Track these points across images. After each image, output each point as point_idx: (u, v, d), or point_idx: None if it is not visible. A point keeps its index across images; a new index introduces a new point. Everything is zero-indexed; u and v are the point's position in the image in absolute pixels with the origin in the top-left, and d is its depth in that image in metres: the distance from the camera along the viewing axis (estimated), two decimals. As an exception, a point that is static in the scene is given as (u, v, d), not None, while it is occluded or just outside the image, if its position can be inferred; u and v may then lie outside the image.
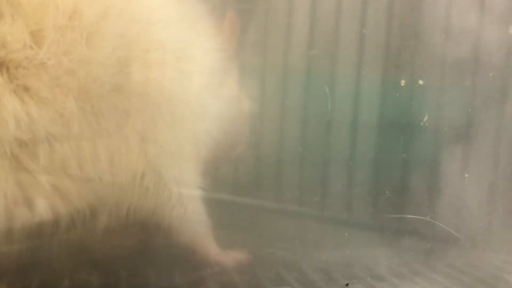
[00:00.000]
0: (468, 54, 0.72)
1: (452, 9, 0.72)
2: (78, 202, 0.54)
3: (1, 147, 0.48)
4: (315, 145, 0.74)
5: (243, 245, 0.66)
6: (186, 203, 0.61)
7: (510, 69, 0.72)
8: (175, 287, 0.60)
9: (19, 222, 0.51)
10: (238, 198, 0.69)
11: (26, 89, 0.49)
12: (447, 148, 0.72)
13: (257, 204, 0.72)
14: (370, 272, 0.66)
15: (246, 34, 0.71)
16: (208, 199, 0.63)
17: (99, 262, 0.60)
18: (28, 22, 0.49)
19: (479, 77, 0.72)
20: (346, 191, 0.74)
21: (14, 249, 0.52)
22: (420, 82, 0.71)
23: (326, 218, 0.73)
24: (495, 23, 0.72)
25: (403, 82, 0.71)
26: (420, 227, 0.70)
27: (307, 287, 0.62)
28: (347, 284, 0.62)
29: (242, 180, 0.74)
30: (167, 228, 0.60)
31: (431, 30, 0.72)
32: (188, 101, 0.60)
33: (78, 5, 0.51)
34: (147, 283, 0.60)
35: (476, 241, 0.72)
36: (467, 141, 0.73)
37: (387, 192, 0.71)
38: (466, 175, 0.72)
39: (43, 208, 0.51)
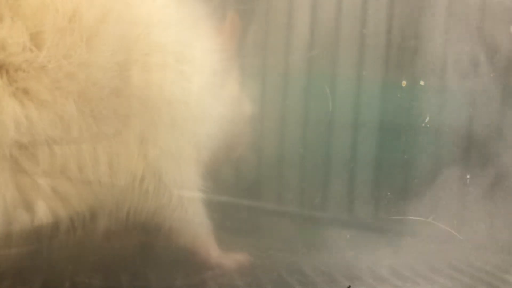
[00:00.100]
0: (469, 54, 0.72)
1: (453, 8, 0.72)
2: (78, 205, 0.54)
3: (1, 150, 0.48)
4: (316, 146, 0.74)
5: (244, 247, 0.66)
6: (186, 205, 0.61)
7: (512, 69, 0.72)
8: (176, 290, 0.60)
9: (19, 225, 0.51)
10: (239, 200, 0.69)
11: (26, 92, 0.49)
12: (448, 149, 0.72)
13: (258, 205, 0.72)
14: (372, 273, 0.66)
15: (246, 35, 0.71)
16: (208, 201, 0.63)
17: (100, 264, 0.60)
18: (27, 25, 0.49)
19: (480, 77, 0.72)
20: (347, 193, 0.74)
21: (14, 252, 0.52)
22: (421, 82, 0.71)
23: (328, 219, 0.73)
24: (496, 23, 0.72)
25: (404, 83, 0.71)
26: (421, 228, 0.70)
27: (309, 289, 0.61)
28: (349, 286, 0.62)
29: (243, 182, 0.74)
30: (168, 230, 0.60)
31: (432, 30, 0.72)
32: (188, 103, 0.60)
33: (78, 8, 0.51)
34: (148, 286, 0.60)
35: (478, 242, 0.72)
36: (468, 141, 0.72)
37: (388, 193, 0.71)
38: (468, 176, 0.71)
39: (43, 211, 0.51)
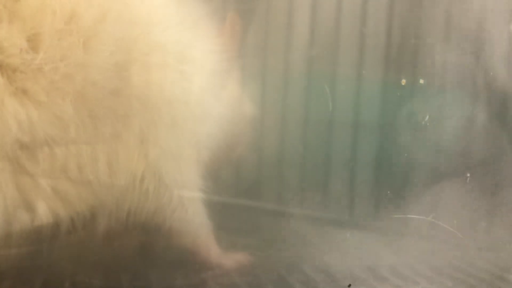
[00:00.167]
0: (469, 53, 0.72)
1: (453, 8, 0.72)
2: (78, 205, 0.54)
3: (3, 149, 0.48)
4: (316, 145, 0.74)
5: (244, 247, 0.66)
6: (187, 205, 0.61)
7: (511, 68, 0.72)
8: (176, 290, 0.60)
9: (19, 225, 0.51)
10: (239, 200, 0.69)
11: (24, 92, 0.49)
12: (448, 148, 0.72)
13: (258, 205, 0.72)
14: (373, 273, 0.66)
15: (246, 35, 0.71)
16: (209, 201, 0.63)
17: (100, 264, 0.60)
18: (25, 27, 0.49)
19: (480, 76, 0.72)
20: (347, 192, 0.74)
21: (14, 252, 0.52)
22: (421, 81, 0.71)
23: (328, 219, 0.73)
24: (496, 22, 0.72)
25: (403, 82, 0.71)
26: (422, 228, 0.70)
27: (309, 288, 0.61)
28: (349, 285, 0.62)
29: (243, 182, 0.74)
30: (168, 230, 0.60)
31: (432, 29, 0.72)
32: (188, 103, 0.60)
33: (76, 9, 0.50)
34: (148, 286, 0.59)
35: (478, 240, 0.72)
36: (468, 140, 0.72)
37: (388, 192, 0.71)
38: (468, 175, 0.71)
39: (43, 211, 0.51)
